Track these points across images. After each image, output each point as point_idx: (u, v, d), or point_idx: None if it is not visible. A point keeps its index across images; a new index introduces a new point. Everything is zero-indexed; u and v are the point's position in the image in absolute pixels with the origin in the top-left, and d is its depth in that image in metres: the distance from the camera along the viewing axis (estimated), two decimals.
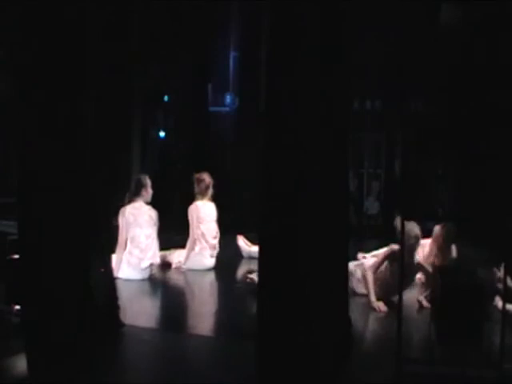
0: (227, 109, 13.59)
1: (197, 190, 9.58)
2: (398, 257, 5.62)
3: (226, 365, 5.62)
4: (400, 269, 5.53)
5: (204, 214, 9.59)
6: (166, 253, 9.54)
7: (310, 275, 4.53)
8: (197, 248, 9.52)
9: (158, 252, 8.97)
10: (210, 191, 9.61)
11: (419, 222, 8.91)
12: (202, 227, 9.54)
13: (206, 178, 9.57)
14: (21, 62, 5.06)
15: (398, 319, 5.29)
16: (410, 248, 7.22)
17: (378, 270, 7.61)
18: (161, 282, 8.90)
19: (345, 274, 4.82)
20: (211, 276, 9.39)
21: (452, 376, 5.23)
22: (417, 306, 7.47)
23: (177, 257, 9.60)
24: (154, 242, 8.87)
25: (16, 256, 5.61)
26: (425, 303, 7.40)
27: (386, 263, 7.59)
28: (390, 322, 6.78)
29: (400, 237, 5.48)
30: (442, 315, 5.37)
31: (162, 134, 13.83)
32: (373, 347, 6.36)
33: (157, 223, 8.86)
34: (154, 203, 9.13)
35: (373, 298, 7.45)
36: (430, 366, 5.39)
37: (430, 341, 5.47)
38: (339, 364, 4.64)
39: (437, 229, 8.32)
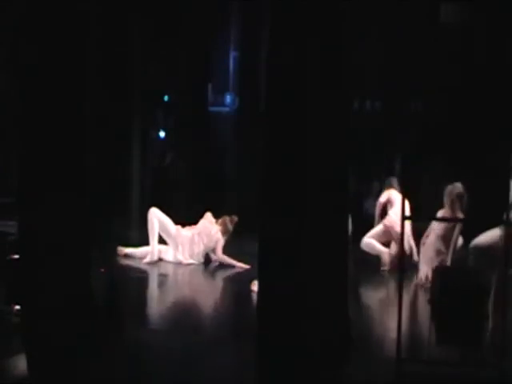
0: (227, 109, 13.57)
1: (223, 229, 9.83)
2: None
3: (226, 365, 5.62)
4: (400, 266, 5.54)
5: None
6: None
7: (310, 275, 4.53)
8: None
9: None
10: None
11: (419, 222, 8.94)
12: None
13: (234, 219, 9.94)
14: (21, 62, 5.06)
15: (397, 319, 5.29)
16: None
17: None
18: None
19: (344, 274, 4.82)
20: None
21: (452, 376, 5.23)
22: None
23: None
24: None
25: (16, 256, 5.61)
26: None
27: None
28: (389, 321, 6.78)
29: (400, 237, 5.48)
30: (441, 315, 5.37)
31: (161, 134, 13.82)
32: (372, 347, 6.35)
33: None
34: (153, 203, 9.16)
35: None
36: (429, 366, 5.39)
37: (430, 341, 5.47)
38: (339, 364, 4.64)
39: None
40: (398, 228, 9.21)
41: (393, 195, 9.69)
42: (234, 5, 13.22)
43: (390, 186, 9.85)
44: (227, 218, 9.92)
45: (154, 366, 5.54)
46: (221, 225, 9.86)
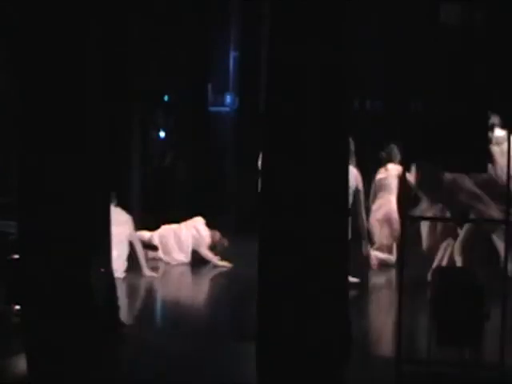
0: (227, 109, 13.56)
1: (211, 240, 9.79)
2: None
3: (226, 365, 5.62)
4: (400, 266, 5.53)
5: None
6: None
7: (310, 275, 4.52)
8: None
9: None
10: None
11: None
12: None
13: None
14: (21, 62, 5.06)
15: (398, 319, 5.30)
16: None
17: None
18: None
19: (345, 274, 4.82)
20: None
21: (452, 376, 5.23)
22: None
23: None
24: None
25: (16, 256, 5.61)
26: None
27: None
28: (389, 321, 6.79)
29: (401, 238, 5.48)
30: (441, 315, 5.37)
31: (161, 134, 13.82)
32: (373, 347, 6.36)
33: None
34: (154, 203, 9.17)
35: None
36: (429, 366, 5.39)
37: (429, 341, 5.47)
38: (339, 364, 4.63)
39: None
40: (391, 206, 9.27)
41: (390, 173, 9.56)
42: (234, 5, 13.22)
43: (390, 159, 9.68)
44: (219, 235, 9.80)
45: (154, 366, 5.54)
46: (211, 236, 9.76)
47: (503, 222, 5.90)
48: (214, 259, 9.61)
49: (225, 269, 9.47)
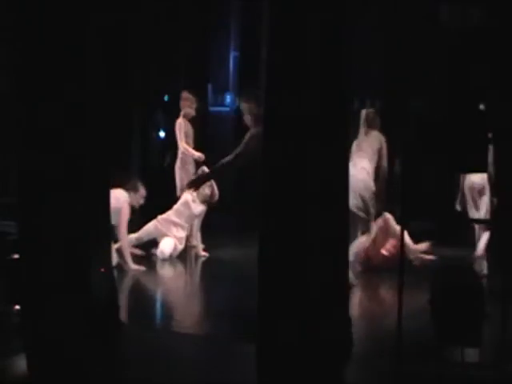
0: (227, 109, 13.56)
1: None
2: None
3: (226, 365, 5.62)
4: (400, 266, 5.53)
5: None
6: None
7: (311, 275, 4.52)
8: None
9: None
10: None
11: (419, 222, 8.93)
12: None
13: None
14: (20, 61, 5.06)
15: (397, 319, 5.30)
16: None
17: None
18: None
19: (345, 273, 4.82)
20: None
21: (452, 376, 5.23)
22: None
23: None
24: None
25: (16, 256, 5.61)
26: None
27: None
28: (389, 321, 6.78)
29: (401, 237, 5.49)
30: (441, 315, 5.37)
31: (161, 134, 13.82)
32: (372, 347, 6.35)
33: None
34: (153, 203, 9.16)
35: None
36: (430, 365, 5.39)
37: (429, 341, 5.48)
38: (339, 364, 4.63)
39: None
40: None
41: None
42: (234, 5, 13.22)
43: None
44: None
45: (154, 366, 5.54)
46: None
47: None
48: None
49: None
